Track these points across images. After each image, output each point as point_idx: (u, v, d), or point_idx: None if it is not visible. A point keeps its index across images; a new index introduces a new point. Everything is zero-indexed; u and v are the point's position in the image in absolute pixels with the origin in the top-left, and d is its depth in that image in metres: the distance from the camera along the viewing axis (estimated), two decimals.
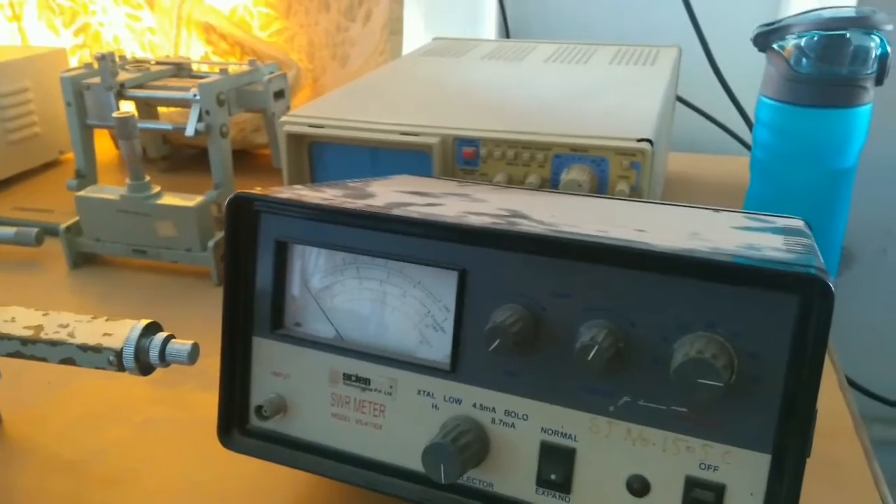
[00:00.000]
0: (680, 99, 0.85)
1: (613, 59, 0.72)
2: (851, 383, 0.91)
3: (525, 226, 0.32)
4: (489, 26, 1.06)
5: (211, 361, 0.38)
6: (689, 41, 0.82)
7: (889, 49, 0.46)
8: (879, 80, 0.46)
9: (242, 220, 0.35)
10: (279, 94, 0.73)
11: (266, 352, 0.36)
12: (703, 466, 0.29)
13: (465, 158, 0.52)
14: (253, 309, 0.36)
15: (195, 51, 0.86)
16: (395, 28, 0.86)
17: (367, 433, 0.34)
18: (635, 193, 0.49)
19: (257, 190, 0.35)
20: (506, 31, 1.03)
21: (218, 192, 0.66)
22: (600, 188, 0.50)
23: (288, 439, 0.36)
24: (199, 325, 0.46)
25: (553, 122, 0.53)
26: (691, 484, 0.29)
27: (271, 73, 0.73)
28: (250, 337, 0.36)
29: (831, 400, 0.47)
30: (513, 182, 0.52)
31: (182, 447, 0.43)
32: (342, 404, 0.35)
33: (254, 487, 0.40)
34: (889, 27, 0.46)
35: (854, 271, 0.92)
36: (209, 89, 0.66)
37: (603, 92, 0.61)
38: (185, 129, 0.66)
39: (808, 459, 0.28)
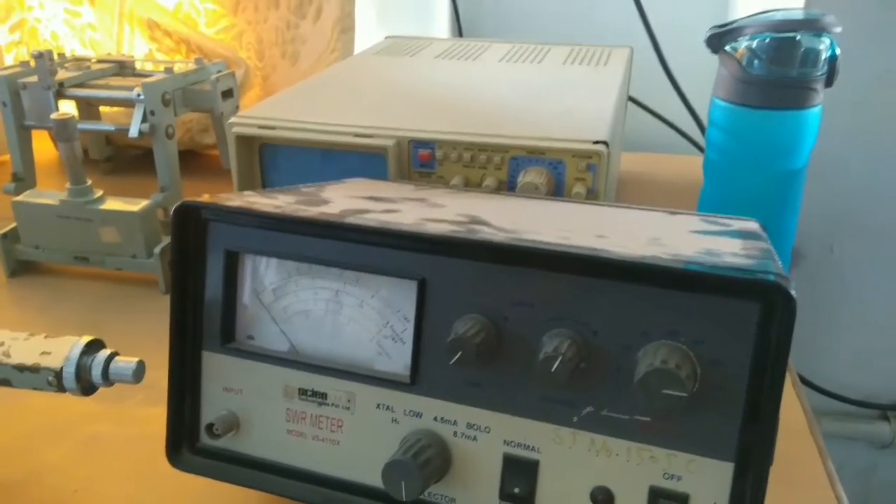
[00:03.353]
0: (632, 99, 0.85)
1: (567, 59, 0.72)
2: (802, 380, 0.93)
3: (485, 233, 0.31)
4: (441, 24, 1.06)
5: (159, 374, 0.36)
6: (641, 41, 0.82)
7: (838, 51, 0.46)
8: (829, 82, 0.47)
9: (190, 229, 0.34)
10: (227, 94, 0.71)
11: (217, 367, 0.34)
12: (666, 476, 0.29)
13: (420, 161, 0.51)
14: (202, 322, 0.34)
15: (139, 48, 0.83)
16: (346, 25, 0.84)
17: (324, 449, 0.33)
18: (592, 195, 0.49)
19: (205, 198, 0.34)
20: (459, 30, 1.03)
21: (164, 196, 0.64)
22: (557, 190, 0.50)
23: (241, 457, 0.35)
24: (146, 334, 0.44)
25: (509, 123, 0.52)
26: (655, 494, 0.29)
27: (219, 71, 0.71)
28: (200, 352, 0.35)
29: (786, 398, 0.47)
30: (470, 185, 0.51)
31: (128, 466, 0.41)
32: (298, 420, 0.33)
33: None
34: (838, 30, 0.46)
35: (802, 269, 0.94)
36: (154, 88, 0.63)
37: (558, 93, 0.60)
38: (128, 130, 0.64)
39: None
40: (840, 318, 0.97)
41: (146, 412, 0.45)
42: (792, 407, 0.47)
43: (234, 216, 0.33)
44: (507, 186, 0.51)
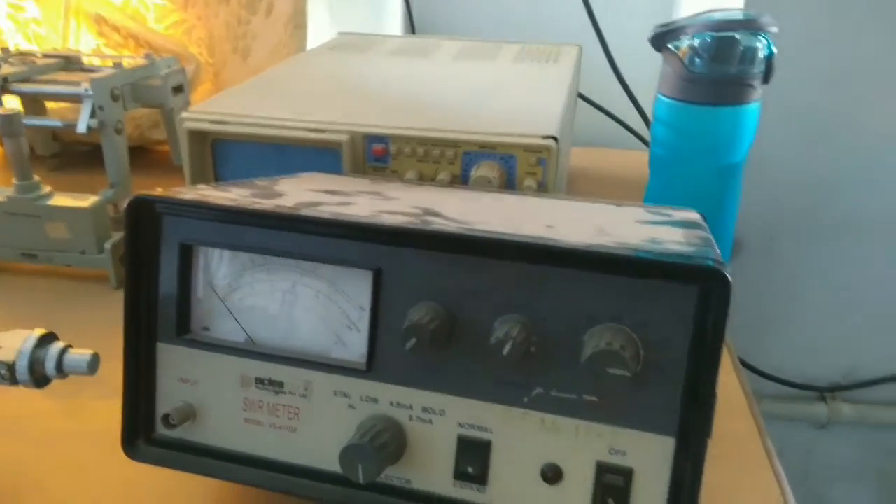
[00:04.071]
0: (581, 96, 0.87)
1: (518, 56, 0.74)
2: (743, 363, 0.97)
3: (439, 224, 0.32)
4: (394, 21, 1.06)
5: (112, 369, 0.36)
6: (589, 39, 0.84)
7: (774, 50, 0.49)
8: (766, 79, 0.49)
9: (143, 222, 0.34)
10: (178, 89, 0.71)
11: (172, 358, 0.35)
12: (612, 452, 0.30)
13: (375, 156, 0.52)
14: (157, 314, 0.34)
15: (85, 43, 0.82)
16: (298, 22, 0.84)
17: (281, 437, 0.34)
18: (542, 188, 0.51)
19: (159, 191, 0.34)
20: (411, 27, 1.03)
21: (114, 191, 0.63)
22: (508, 184, 0.51)
23: (198, 447, 0.35)
24: (97, 330, 0.43)
25: (462, 119, 0.53)
26: (602, 469, 0.30)
27: (169, 66, 0.71)
28: (154, 343, 0.35)
29: (726, 380, 0.49)
30: (424, 179, 0.52)
31: (83, 460, 0.41)
32: (255, 409, 0.34)
33: (164, 499, 0.38)
34: (774, 29, 0.49)
35: (743, 259, 0.98)
36: (102, 84, 0.63)
37: (509, 89, 0.62)
38: (76, 125, 0.63)
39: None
40: (780, 306, 1.01)
41: (100, 406, 0.45)
42: (732, 388, 0.49)
43: (189, 209, 0.33)
44: (461, 180, 0.52)
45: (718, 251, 0.31)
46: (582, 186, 0.80)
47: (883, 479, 1.11)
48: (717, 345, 0.28)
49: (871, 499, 1.12)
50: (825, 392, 1.04)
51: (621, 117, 0.90)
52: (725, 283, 0.27)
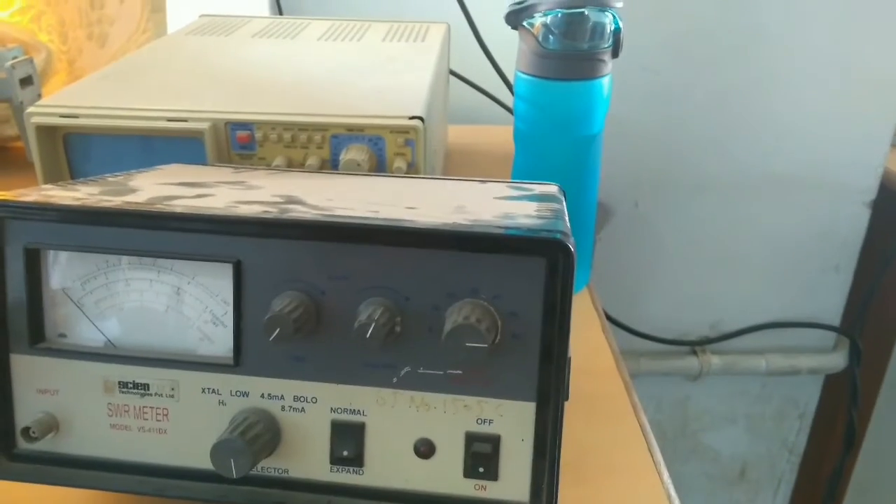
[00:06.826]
0: (454, 73, 0.88)
1: (386, 35, 0.74)
2: (616, 322, 1.02)
3: (298, 212, 0.32)
4: (260, 2, 1.03)
5: None
6: (460, 16, 0.85)
7: (621, 24, 0.51)
8: (615, 53, 0.52)
9: None
10: (26, 81, 0.66)
11: (27, 369, 0.33)
12: (479, 421, 0.31)
13: (240, 143, 0.51)
14: (6, 324, 0.33)
15: None
16: (157, 5, 0.80)
17: (151, 440, 0.33)
18: (412, 169, 0.51)
19: None
20: (278, 8, 1.01)
21: None
22: (379, 166, 0.51)
23: (64, 458, 0.34)
24: None
25: (329, 102, 0.53)
26: (471, 439, 0.32)
27: (15, 57, 0.66)
28: (7, 355, 0.33)
29: (595, 342, 0.52)
30: (293, 164, 0.51)
31: None
32: (121, 413, 0.33)
33: None
34: (619, 5, 0.51)
35: (613, 224, 1.02)
36: None
37: (376, 70, 0.62)
38: None
39: (577, 396, 0.31)
40: (649, 266, 1.06)
41: None
42: (602, 350, 0.52)
43: (30, 212, 0.32)
44: (331, 164, 0.52)
45: (567, 221, 0.33)
46: (460, 164, 0.81)
47: (750, 421, 1.20)
48: (565, 311, 0.30)
49: (741, 440, 1.22)
50: (696, 346, 1.11)
51: (498, 94, 0.92)
52: (568, 254, 0.29)
